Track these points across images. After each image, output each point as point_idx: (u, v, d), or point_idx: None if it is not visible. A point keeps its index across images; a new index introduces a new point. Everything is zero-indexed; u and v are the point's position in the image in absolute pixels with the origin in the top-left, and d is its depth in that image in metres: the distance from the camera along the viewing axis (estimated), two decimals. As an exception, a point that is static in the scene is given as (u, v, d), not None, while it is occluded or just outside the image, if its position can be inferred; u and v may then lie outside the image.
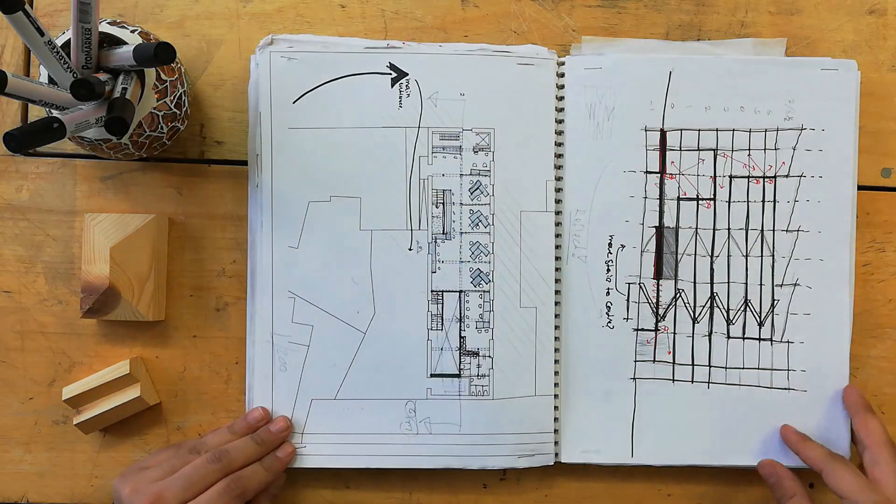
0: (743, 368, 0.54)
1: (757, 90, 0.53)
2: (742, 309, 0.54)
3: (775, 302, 0.54)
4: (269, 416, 0.52)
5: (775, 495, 0.51)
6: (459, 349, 0.53)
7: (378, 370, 0.53)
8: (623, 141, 0.54)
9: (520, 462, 0.53)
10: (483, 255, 0.53)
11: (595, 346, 0.54)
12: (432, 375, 0.53)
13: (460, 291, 0.53)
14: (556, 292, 0.54)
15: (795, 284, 0.53)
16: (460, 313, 0.53)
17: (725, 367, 0.54)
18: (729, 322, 0.54)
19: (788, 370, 0.54)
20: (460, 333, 0.53)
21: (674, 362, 0.54)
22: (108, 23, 0.47)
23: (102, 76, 0.45)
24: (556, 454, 0.54)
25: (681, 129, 0.54)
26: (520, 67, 0.53)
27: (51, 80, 0.45)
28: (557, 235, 0.54)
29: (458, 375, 0.53)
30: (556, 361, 0.54)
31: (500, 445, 0.53)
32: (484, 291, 0.53)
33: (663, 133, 0.54)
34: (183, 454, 0.48)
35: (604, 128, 0.54)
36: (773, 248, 0.54)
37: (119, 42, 0.46)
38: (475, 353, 0.53)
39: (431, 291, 0.53)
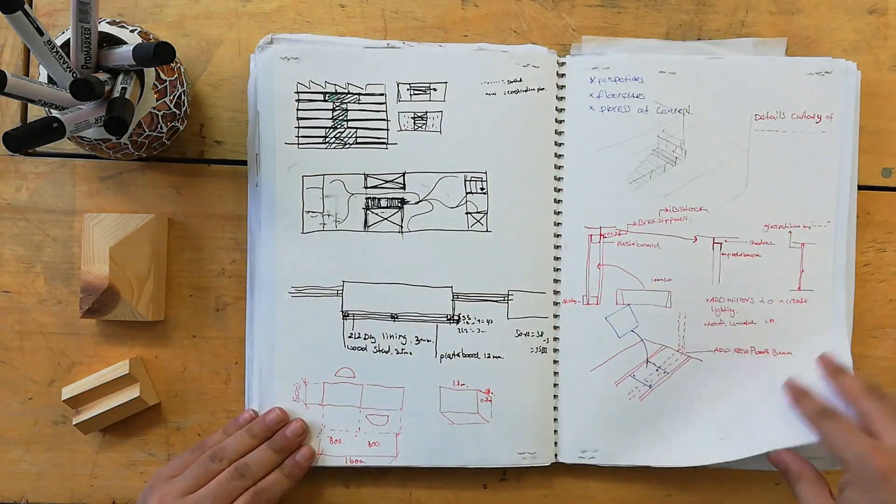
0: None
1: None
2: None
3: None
4: (287, 416, 0.53)
5: (787, 481, 0.49)
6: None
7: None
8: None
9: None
10: (483, 255, 0.53)
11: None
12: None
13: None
14: (556, 293, 0.54)
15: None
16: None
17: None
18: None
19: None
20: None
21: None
22: (107, 22, 0.47)
23: (102, 76, 0.45)
24: (556, 454, 0.54)
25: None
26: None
27: (50, 80, 0.45)
28: (557, 236, 0.54)
29: (458, 375, 0.53)
30: (556, 362, 0.54)
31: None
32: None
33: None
34: (205, 463, 0.49)
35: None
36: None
37: (118, 42, 0.46)
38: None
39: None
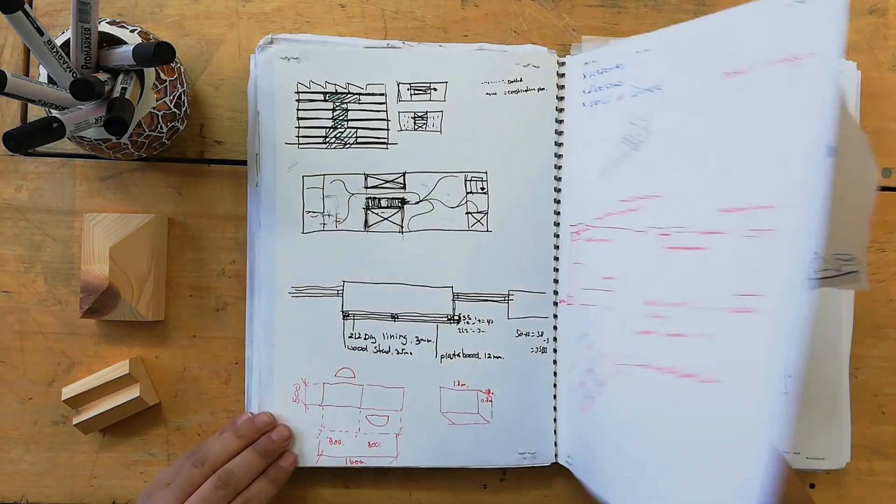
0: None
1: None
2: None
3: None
4: (276, 421, 0.52)
5: None
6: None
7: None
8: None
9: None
10: (483, 255, 0.53)
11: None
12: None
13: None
14: (555, 293, 0.54)
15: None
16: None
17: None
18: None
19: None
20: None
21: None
22: (107, 22, 0.47)
23: (102, 76, 0.45)
24: (556, 454, 0.54)
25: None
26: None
27: (50, 80, 0.45)
28: (556, 236, 0.54)
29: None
30: (556, 362, 0.54)
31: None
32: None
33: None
34: (189, 469, 0.48)
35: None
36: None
37: (118, 42, 0.46)
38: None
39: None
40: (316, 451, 0.53)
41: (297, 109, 0.53)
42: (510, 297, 0.53)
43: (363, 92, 0.53)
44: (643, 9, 0.55)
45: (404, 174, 0.53)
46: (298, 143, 0.53)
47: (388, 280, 0.53)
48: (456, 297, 0.53)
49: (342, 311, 0.53)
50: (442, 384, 0.53)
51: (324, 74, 0.53)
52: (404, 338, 0.53)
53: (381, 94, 0.53)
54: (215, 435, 0.52)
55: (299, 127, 0.53)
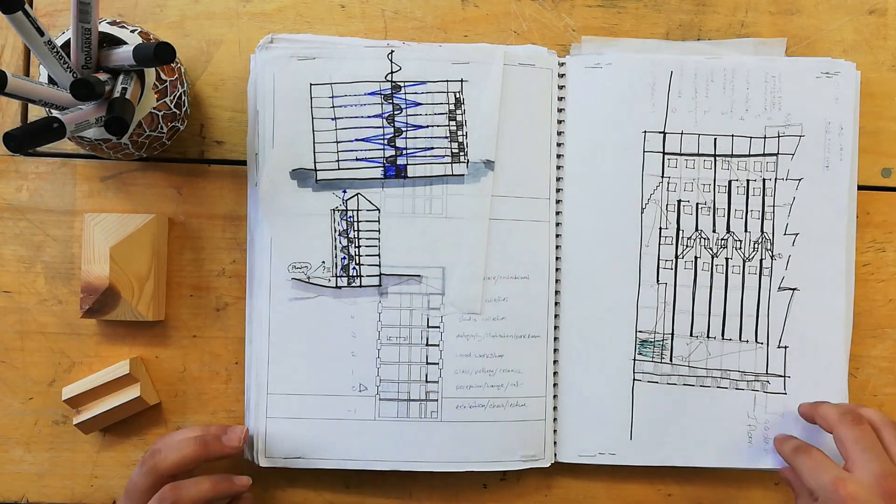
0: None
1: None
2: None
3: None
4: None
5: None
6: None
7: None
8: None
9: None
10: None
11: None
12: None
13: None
14: (556, 293, 0.54)
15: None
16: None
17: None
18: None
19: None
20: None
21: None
22: (107, 23, 0.47)
23: (102, 76, 0.45)
24: (555, 454, 0.54)
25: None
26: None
27: (51, 80, 0.45)
28: (558, 236, 0.54)
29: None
30: (556, 362, 0.54)
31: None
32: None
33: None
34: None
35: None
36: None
37: (119, 42, 0.46)
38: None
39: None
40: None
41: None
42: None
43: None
44: (643, 9, 0.55)
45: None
46: (302, 143, 0.53)
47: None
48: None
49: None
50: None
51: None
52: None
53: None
54: (180, 438, 0.49)
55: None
